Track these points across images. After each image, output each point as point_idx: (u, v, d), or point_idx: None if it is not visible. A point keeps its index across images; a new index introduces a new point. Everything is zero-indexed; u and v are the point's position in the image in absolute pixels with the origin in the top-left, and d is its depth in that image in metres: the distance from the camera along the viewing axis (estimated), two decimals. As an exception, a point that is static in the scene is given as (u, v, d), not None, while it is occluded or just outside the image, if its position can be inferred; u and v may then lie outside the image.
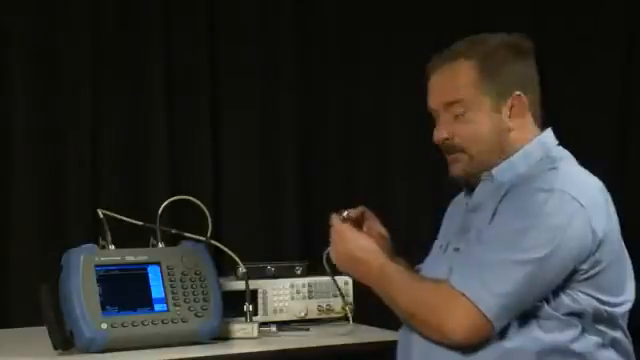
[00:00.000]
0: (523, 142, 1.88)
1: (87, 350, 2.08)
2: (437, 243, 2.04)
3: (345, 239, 1.93)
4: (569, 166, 1.86)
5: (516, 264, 1.72)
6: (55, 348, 2.09)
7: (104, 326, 2.08)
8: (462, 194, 2.01)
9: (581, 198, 1.75)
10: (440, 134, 1.90)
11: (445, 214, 2.11)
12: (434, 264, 1.96)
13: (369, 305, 2.39)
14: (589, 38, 3.45)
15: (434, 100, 1.92)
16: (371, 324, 2.39)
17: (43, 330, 2.11)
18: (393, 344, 1.97)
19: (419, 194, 3.30)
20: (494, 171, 1.87)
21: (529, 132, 1.89)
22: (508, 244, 1.73)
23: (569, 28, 3.47)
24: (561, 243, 1.73)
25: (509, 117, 1.87)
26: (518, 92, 1.87)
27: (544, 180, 1.78)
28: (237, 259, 2.36)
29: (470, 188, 1.95)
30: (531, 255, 1.72)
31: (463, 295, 1.72)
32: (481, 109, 1.87)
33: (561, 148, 1.92)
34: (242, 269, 2.36)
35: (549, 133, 1.92)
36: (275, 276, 2.46)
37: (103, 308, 2.10)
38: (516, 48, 1.89)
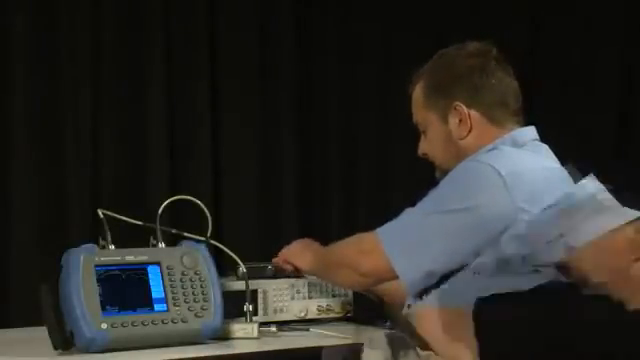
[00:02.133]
0: (486, 141, 1.98)
1: (87, 350, 2.07)
2: None
3: (290, 251, 2.38)
4: (513, 150, 1.95)
5: (424, 215, 1.92)
6: (55, 348, 2.09)
7: (104, 326, 2.08)
8: None
9: (502, 169, 1.86)
10: (419, 151, 2.11)
11: None
12: None
13: (370, 305, 2.40)
14: (588, 38, 3.45)
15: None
16: (371, 324, 2.38)
17: (43, 330, 2.11)
18: (393, 344, 1.98)
19: (421, 194, 3.30)
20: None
21: (489, 136, 1.99)
22: (425, 201, 1.95)
23: (568, 28, 3.47)
24: (476, 204, 1.84)
25: (458, 125, 2.00)
26: (458, 103, 1.99)
27: (480, 156, 1.93)
28: (237, 259, 2.36)
29: None
30: (438, 207, 1.89)
31: (376, 238, 1.97)
32: (432, 124, 2.05)
33: (536, 143, 2.00)
34: (242, 269, 2.36)
35: (526, 130, 2.01)
36: (275, 276, 2.45)
37: (103, 308, 2.10)
38: (475, 56, 2.01)
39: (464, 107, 1.99)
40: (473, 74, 1.99)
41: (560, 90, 3.44)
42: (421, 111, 2.06)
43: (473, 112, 1.99)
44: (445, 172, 2.02)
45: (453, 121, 2.00)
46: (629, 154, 3.43)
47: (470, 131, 1.99)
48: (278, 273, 2.42)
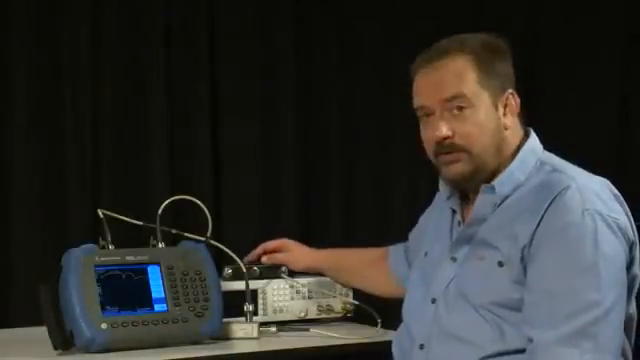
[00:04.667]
0: (515, 142, 1.87)
1: (87, 350, 2.08)
2: (421, 251, 2.03)
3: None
4: (578, 174, 1.83)
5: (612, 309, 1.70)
6: (55, 348, 2.09)
7: (104, 326, 2.08)
8: (442, 198, 2.00)
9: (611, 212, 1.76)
10: (441, 131, 1.83)
11: (426, 219, 2.12)
12: (425, 274, 1.96)
13: (369, 305, 2.40)
14: (588, 37, 3.45)
15: (429, 97, 1.86)
16: (371, 324, 2.38)
17: (43, 330, 2.11)
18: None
19: (420, 193, 3.30)
20: (495, 183, 1.84)
21: (518, 132, 1.89)
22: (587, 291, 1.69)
23: (568, 28, 3.47)
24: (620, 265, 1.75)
25: (504, 115, 1.85)
26: (511, 90, 1.86)
27: (572, 200, 1.74)
28: (237, 259, 2.36)
29: (457, 192, 1.94)
30: (613, 294, 1.70)
31: None
32: (481, 105, 1.83)
33: (545, 151, 1.92)
34: (242, 269, 2.36)
35: (535, 136, 1.91)
36: (276, 276, 2.45)
37: (103, 308, 2.10)
38: (498, 48, 1.88)
39: (516, 95, 1.86)
40: (509, 66, 1.87)
41: (559, 90, 3.44)
42: (472, 85, 1.82)
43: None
44: (473, 171, 1.84)
45: (500, 110, 1.84)
46: (629, 154, 3.43)
47: (513, 124, 1.86)
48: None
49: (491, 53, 1.86)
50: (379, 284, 2.35)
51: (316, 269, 2.44)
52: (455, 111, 1.83)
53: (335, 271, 2.43)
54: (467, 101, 1.82)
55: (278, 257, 2.43)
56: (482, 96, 1.83)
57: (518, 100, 1.87)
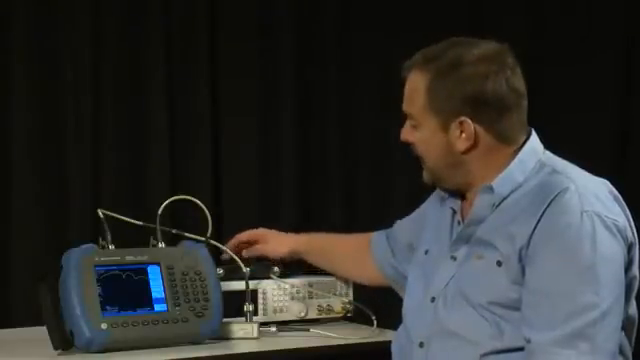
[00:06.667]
0: (500, 158, 1.85)
1: (87, 350, 2.08)
2: (421, 248, 2.03)
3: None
4: (577, 175, 1.82)
5: (610, 311, 1.71)
6: (55, 348, 2.09)
7: (104, 326, 2.08)
8: (441, 194, 2.01)
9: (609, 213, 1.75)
10: (402, 136, 1.95)
11: (424, 211, 2.12)
12: (425, 273, 1.96)
13: (369, 305, 2.40)
14: (588, 38, 3.45)
15: (403, 104, 1.94)
16: (371, 324, 2.38)
17: (43, 330, 2.11)
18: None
19: (421, 192, 3.30)
20: (494, 184, 1.84)
21: (500, 151, 1.85)
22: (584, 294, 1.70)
23: (568, 28, 3.47)
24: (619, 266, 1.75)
25: (459, 137, 1.84)
26: (464, 117, 1.82)
27: (571, 201, 1.74)
28: (237, 259, 2.36)
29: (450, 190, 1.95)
30: (611, 296, 1.71)
31: None
32: (426, 126, 1.87)
33: (547, 151, 1.91)
34: (242, 269, 2.36)
35: (535, 136, 1.89)
36: (266, 277, 2.45)
37: (103, 308, 2.10)
38: (489, 62, 1.82)
39: (470, 123, 1.82)
40: (485, 84, 1.80)
41: (560, 90, 3.44)
42: (419, 108, 1.86)
43: (479, 128, 1.82)
44: (437, 181, 1.93)
45: (455, 132, 1.84)
46: (629, 154, 3.43)
47: (474, 147, 1.84)
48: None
49: (456, 73, 1.82)
50: (360, 270, 2.36)
51: (297, 253, 2.42)
52: (412, 124, 1.92)
53: (316, 255, 2.42)
54: (415, 120, 1.90)
55: (257, 248, 2.43)
56: (428, 117, 1.87)
57: (471, 129, 1.82)
